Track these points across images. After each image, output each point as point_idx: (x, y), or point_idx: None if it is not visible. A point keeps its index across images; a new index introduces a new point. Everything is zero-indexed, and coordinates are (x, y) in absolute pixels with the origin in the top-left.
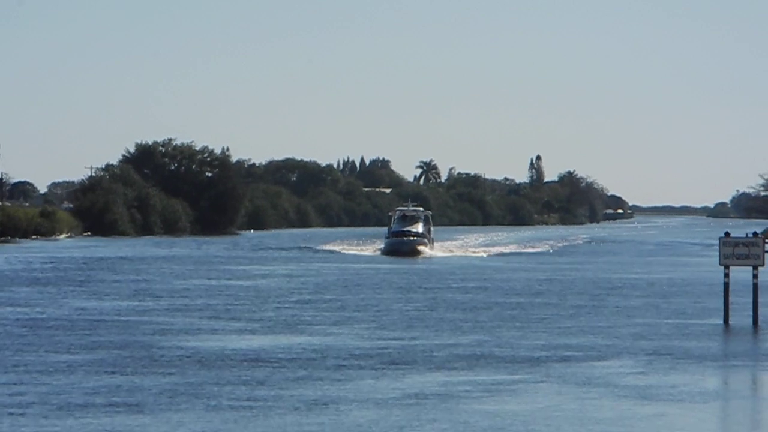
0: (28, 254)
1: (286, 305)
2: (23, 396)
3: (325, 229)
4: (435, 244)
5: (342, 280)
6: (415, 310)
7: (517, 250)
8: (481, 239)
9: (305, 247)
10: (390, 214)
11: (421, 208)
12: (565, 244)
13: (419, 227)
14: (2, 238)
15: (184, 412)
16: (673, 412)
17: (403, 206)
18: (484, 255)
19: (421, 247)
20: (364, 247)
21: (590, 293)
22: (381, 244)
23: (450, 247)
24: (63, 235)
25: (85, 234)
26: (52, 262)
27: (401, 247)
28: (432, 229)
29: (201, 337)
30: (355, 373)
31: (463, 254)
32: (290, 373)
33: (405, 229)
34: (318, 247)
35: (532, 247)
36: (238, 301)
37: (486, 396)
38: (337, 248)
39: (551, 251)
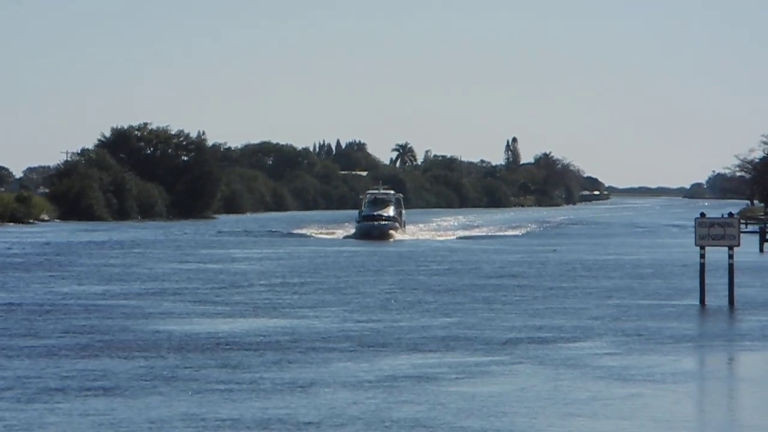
0: (6, 240)
1: (260, 289)
2: (1, 381)
3: (301, 213)
4: (408, 226)
5: (314, 263)
6: (388, 293)
7: (491, 233)
8: (456, 222)
9: (278, 231)
10: (361, 197)
11: (392, 191)
12: (540, 226)
13: (390, 211)
14: None
15: (160, 396)
16: (648, 393)
17: (373, 189)
18: (455, 238)
19: (391, 232)
20: (337, 230)
21: (565, 275)
22: (352, 229)
23: (423, 230)
24: (38, 220)
25: (61, 219)
26: (27, 247)
27: (371, 232)
28: (403, 212)
29: (175, 320)
30: (330, 356)
31: (435, 237)
32: (265, 357)
33: (375, 213)
34: (292, 231)
35: (508, 229)
36: (212, 285)
37: (461, 378)
38: (310, 232)
39: (525, 233)
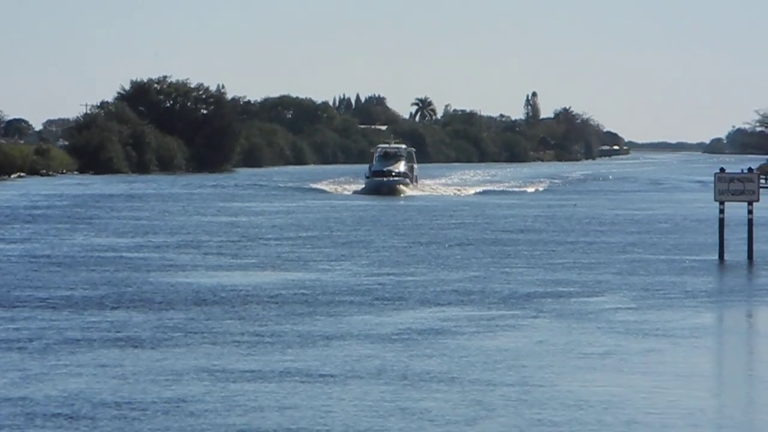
0: (25, 192)
1: (277, 242)
2: (22, 332)
3: (320, 167)
4: (424, 181)
5: (327, 218)
6: (404, 247)
7: (509, 188)
8: (473, 176)
9: (294, 185)
10: (372, 151)
11: (404, 145)
12: (559, 181)
13: (401, 166)
14: None
15: (180, 347)
16: (665, 348)
17: (384, 143)
18: (472, 193)
19: (401, 187)
20: (353, 185)
21: (583, 229)
22: (362, 184)
23: (439, 185)
24: (56, 173)
25: (80, 172)
26: (49, 200)
27: (380, 188)
28: (416, 166)
29: (194, 273)
30: (345, 310)
31: (450, 192)
32: (280, 310)
33: (385, 168)
34: (308, 185)
35: (527, 185)
36: (226, 239)
37: (477, 331)
38: (326, 187)
39: (544, 189)
